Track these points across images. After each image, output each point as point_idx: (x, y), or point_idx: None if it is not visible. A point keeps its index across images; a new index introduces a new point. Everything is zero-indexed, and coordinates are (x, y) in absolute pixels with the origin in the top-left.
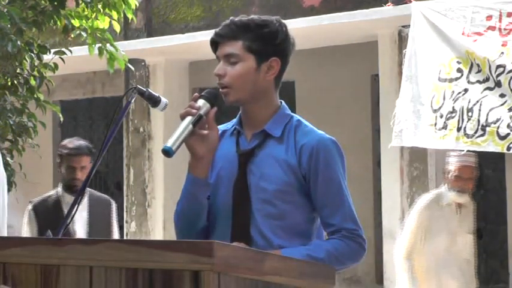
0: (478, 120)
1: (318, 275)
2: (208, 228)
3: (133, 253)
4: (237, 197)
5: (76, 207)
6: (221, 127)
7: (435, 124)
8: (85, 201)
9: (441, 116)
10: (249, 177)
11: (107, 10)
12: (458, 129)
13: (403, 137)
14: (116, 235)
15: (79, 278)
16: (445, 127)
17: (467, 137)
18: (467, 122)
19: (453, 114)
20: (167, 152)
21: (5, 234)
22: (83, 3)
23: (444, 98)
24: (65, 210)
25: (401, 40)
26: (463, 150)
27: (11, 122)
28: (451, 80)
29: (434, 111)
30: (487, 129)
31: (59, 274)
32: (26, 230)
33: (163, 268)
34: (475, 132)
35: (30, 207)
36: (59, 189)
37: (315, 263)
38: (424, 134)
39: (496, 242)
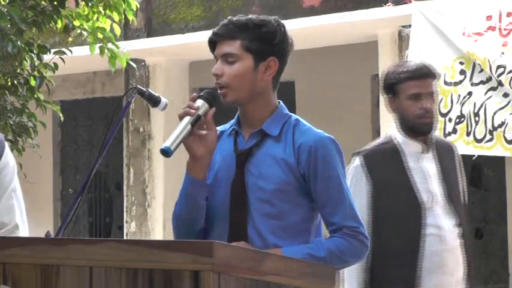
0: (485, 124)
1: (318, 275)
2: (205, 228)
3: (133, 253)
4: (234, 197)
5: (76, 206)
6: (219, 128)
7: (444, 128)
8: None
9: (450, 121)
10: (246, 176)
11: (107, 11)
12: (468, 134)
13: None
14: (463, 188)
15: (79, 278)
16: (454, 131)
17: (477, 142)
18: (476, 126)
19: (462, 119)
20: (165, 152)
21: (27, 232)
22: (84, 3)
23: (452, 102)
24: (409, 163)
25: (401, 40)
26: (474, 156)
27: (11, 122)
28: (455, 84)
29: (443, 115)
30: (494, 133)
31: (59, 274)
32: (355, 193)
33: (163, 268)
34: (484, 137)
35: (358, 160)
36: (395, 133)
37: (315, 263)
38: None
39: (496, 242)
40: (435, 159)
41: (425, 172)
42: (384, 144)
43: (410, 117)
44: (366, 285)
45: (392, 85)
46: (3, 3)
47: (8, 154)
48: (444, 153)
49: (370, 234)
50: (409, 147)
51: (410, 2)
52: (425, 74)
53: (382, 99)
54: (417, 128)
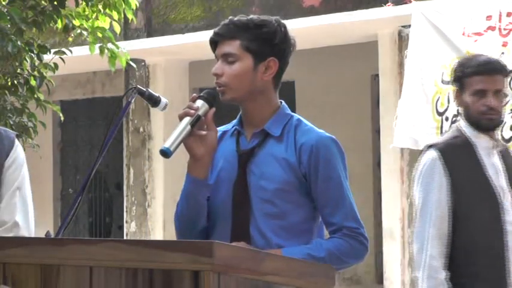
0: None
1: (318, 275)
2: (208, 228)
3: (133, 253)
4: (237, 197)
5: (76, 206)
6: (221, 128)
7: (440, 127)
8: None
9: (447, 119)
10: (249, 176)
11: (107, 10)
12: None
13: (406, 138)
14: None
15: (79, 278)
16: None
17: None
18: None
19: (459, 118)
20: (165, 153)
21: (30, 231)
22: (84, 3)
23: (449, 101)
24: (483, 157)
25: (401, 40)
26: None
27: (11, 122)
28: None
29: (440, 114)
30: None
31: (59, 274)
32: (432, 186)
33: (163, 268)
34: None
35: (434, 153)
36: (462, 127)
37: (315, 263)
38: (429, 137)
39: None
40: (499, 155)
41: (496, 168)
42: (456, 138)
43: (473, 113)
44: (448, 283)
45: (459, 78)
46: (3, 3)
47: (18, 152)
48: (504, 151)
49: (450, 230)
50: (480, 141)
51: (410, 2)
52: (493, 69)
53: (382, 99)
54: (481, 124)
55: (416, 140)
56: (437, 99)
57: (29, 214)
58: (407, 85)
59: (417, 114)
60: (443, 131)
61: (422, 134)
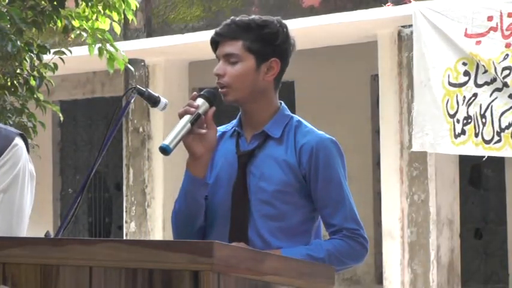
0: (493, 126)
1: (318, 275)
2: (205, 228)
3: (133, 253)
4: (236, 198)
5: (76, 206)
6: (221, 128)
7: (453, 129)
8: None
9: (458, 122)
10: (248, 178)
11: (107, 11)
12: (476, 135)
13: (423, 142)
14: None
15: (78, 278)
16: (463, 133)
17: (486, 143)
18: (483, 127)
19: (469, 120)
20: (164, 150)
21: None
22: (83, 4)
23: (458, 104)
24: None
25: (401, 40)
26: (484, 157)
27: (11, 122)
28: (460, 85)
29: (451, 116)
30: (502, 134)
31: (59, 274)
32: None
33: (163, 268)
34: (492, 138)
35: None
36: None
37: (314, 263)
38: (444, 140)
39: (495, 242)
40: None
41: None
42: None
43: None
44: None
45: None
46: (3, 3)
47: (14, 153)
48: None
49: None
50: None
51: (410, 2)
52: None
53: (382, 99)
54: None
55: (432, 143)
56: (447, 102)
57: (13, 218)
58: (417, 89)
59: (430, 117)
60: (456, 133)
61: (437, 137)
